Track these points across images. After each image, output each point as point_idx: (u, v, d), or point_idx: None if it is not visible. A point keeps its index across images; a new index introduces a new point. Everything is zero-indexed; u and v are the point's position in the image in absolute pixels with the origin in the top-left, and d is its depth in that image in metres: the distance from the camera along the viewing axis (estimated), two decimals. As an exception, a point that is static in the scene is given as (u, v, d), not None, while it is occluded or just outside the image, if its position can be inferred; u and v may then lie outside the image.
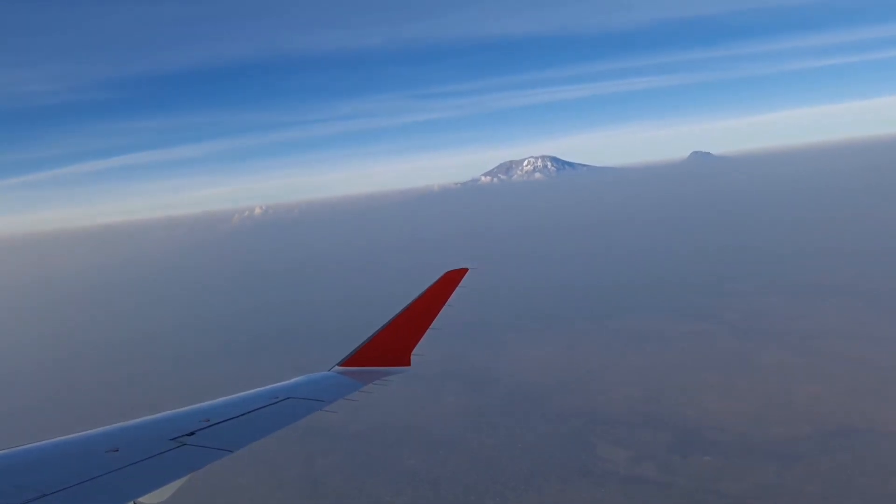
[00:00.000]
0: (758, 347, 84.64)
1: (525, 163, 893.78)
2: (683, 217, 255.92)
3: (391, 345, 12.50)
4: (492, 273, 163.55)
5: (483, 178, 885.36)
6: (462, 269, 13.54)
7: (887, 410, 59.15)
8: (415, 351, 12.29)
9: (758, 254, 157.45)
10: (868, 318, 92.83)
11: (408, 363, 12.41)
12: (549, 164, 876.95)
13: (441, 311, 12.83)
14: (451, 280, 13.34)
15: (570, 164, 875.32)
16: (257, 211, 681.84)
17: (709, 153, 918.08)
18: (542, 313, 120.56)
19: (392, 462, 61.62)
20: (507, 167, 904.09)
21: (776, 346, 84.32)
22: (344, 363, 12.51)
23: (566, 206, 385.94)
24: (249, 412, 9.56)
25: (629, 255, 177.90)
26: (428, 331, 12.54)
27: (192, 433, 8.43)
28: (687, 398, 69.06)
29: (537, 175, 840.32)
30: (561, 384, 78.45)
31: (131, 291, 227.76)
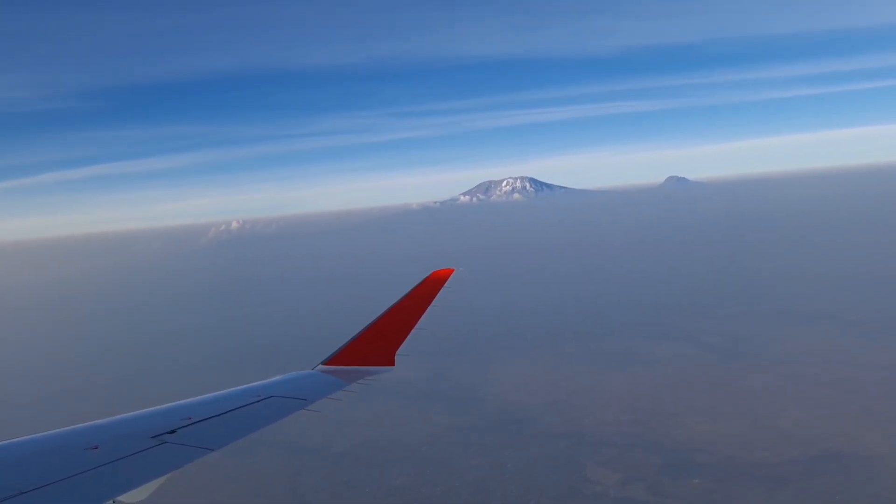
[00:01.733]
0: (741, 370, 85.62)
1: (504, 183, 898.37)
2: (661, 241, 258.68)
3: (376, 344, 12.34)
4: (473, 292, 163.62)
5: (462, 197, 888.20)
6: (448, 269, 13.43)
7: (871, 435, 60.10)
8: (399, 351, 12.08)
9: (735, 278, 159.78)
10: (846, 343, 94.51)
11: (392, 363, 12.17)
12: (527, 185, 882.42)
13: (426, 312, 12.68)
14: (436, 280, 13.22)
15: (549, 186, 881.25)
16: (234, 225, 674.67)
17: (684, 178, 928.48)
18: (525, 333, 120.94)
19: (380, 480, 60.99)
20: (487, 187, 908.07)
21: (758, 369, 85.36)
22: (327, 362, 12.33)
23: (546, 226, 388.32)
24: (232, 410, 9.45)
25: (609, 277, 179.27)
26: (413, 331, 12.37)
27: (173, 431, 8.32)
28: (673, 420, 69.49)
29: (516, 196, 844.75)
30: (547, 404, 78.50)
31: (105, 303, 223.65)
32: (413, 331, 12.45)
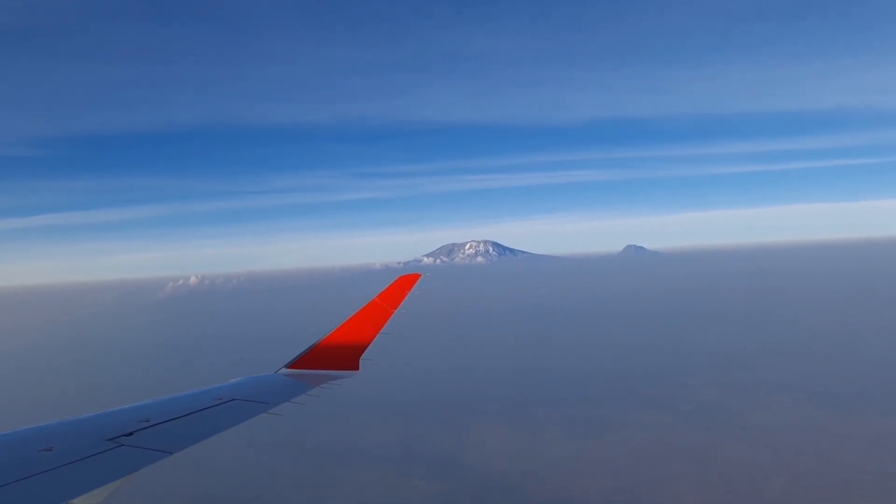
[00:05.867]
0: (719, 439, 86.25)
1: (467, 246, 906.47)
2: (622, 309, 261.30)
3: (341, 348, 12.27)
4: (442, 354, 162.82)
5: (425, 258, 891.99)
6: (415, 274, 13.54)
7: (859, 506, 60.82)
8: (364, 356, 12.07)
9: (698, 348, 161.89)
10: (817, 414, 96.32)
11: (356, 368, 12.13)
12: (490, 248, 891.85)
13: (392, 317, 12.70)
14: (403, 285, 13.29)
15: (511, 250, 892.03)
16: (193, 280, 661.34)
17: (642, 247, 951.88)
18: (497, 398, 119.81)
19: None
20: (450, 249, 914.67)
21: (736, 438, 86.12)
22: (291, 365, 12.21)
23: (511, 291, 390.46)
24: (191, 413, 9.31)
25: (576, 344, 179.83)
26: (379, 336, 12.39)
27: (130, 433, 8.17)
28: (660, 489, 69.26)
29: (479, 259, 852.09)
30: (531, 472, 77.49)
31: (54, 357, 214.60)
32: (378, 336, 12.45)
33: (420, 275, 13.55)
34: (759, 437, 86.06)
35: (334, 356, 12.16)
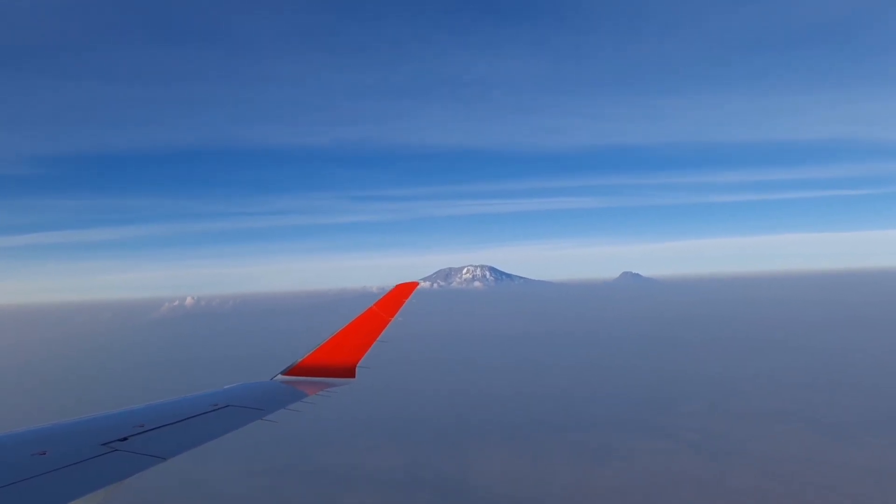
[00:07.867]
0: (725, 468, 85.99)
1: (464, 270, 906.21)
2: (618, 335, 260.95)
3: (338, 355, 12.31)
4: (442, 378, 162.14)
5: (422, 282, 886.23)
6: (412, 282, 13.78)
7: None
8: (361, 363, 12.13)
9: (699, 375, 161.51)
10: (821, 444, 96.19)
11: (353, 375, 12.18)
12: (487, 273, 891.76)
13: (389, 325, 12.79)
14: (401, 293, 13.47)
15: (508, 275, 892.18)
16: (189, 301, 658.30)
17: (638, 274, 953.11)
18: (499, 423, 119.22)
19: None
20: (447, 273, 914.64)
21: (742, 468, 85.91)
22: (287, 372, 12.28)
23: (509, 316, 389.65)
24: (186, 419, 9.22)
25: (575, 370, 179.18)
26: (375, 343, 12.46)
27: (124, 439, 8.09)
28: (670, 518, 68.89)
29: (476, 283, 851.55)
30: (538, 499, 77.05)
31: (47, 376, 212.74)
32: (375, 343, 12.56)
33: (418, 283, 13.80)
34: (763, 466, 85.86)
35: (331, 364, 12.21)
